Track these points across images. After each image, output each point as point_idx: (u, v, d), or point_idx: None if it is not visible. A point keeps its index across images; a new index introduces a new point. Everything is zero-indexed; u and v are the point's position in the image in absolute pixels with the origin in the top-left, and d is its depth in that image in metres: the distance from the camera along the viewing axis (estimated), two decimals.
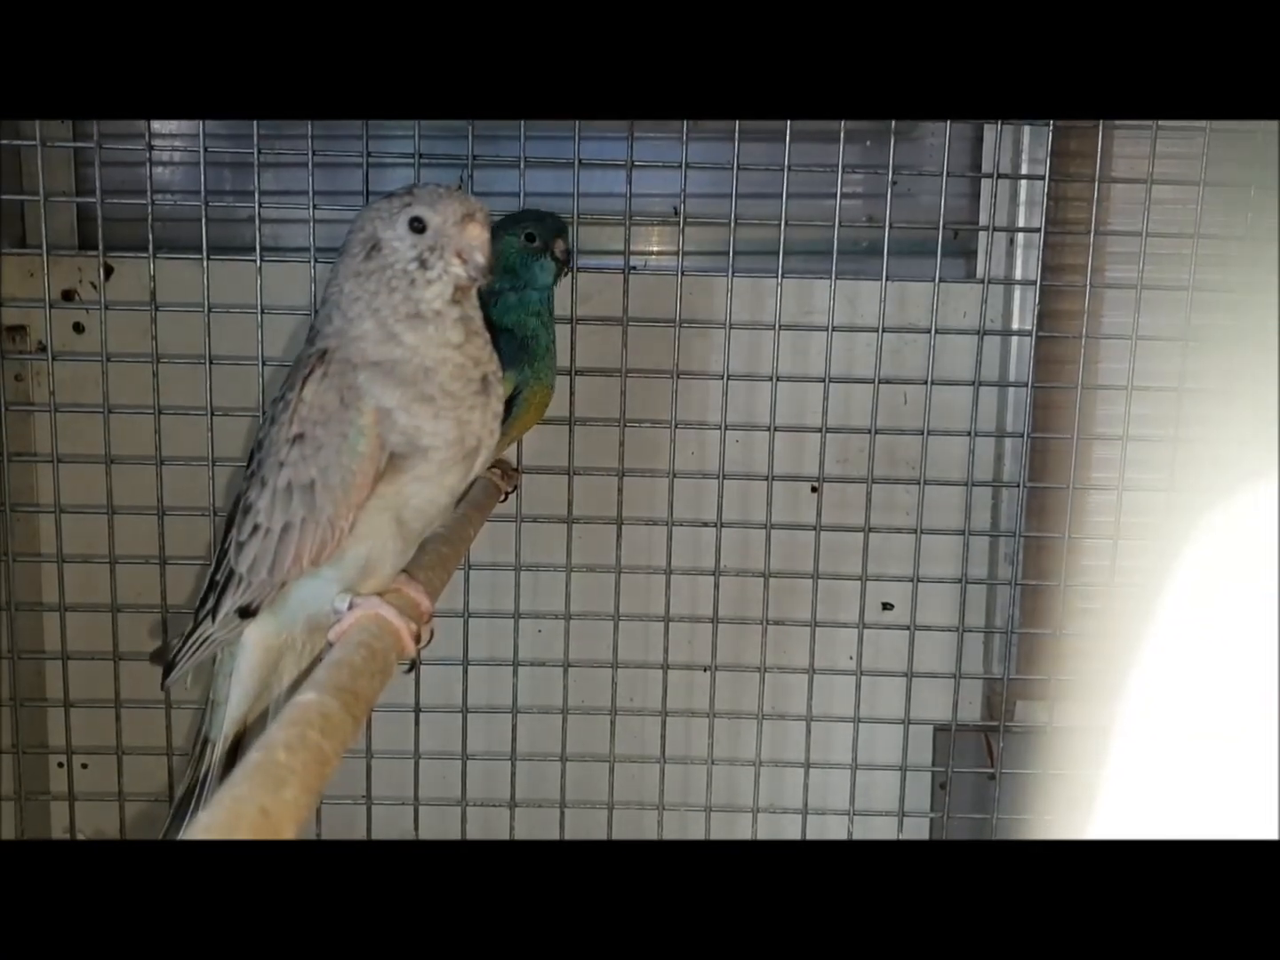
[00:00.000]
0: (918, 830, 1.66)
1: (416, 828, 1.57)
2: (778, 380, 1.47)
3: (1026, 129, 1.59)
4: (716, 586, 1.52)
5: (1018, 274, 1.63)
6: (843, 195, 1.43)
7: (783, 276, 1.44)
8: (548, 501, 1.52)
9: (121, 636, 1.50)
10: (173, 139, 1.68)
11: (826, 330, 1.46)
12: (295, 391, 0.85)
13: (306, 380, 0.84)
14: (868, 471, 1.49)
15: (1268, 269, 1.36)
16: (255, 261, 1.41)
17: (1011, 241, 1.63)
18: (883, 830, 1.61)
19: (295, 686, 0.94)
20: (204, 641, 0.93)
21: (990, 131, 1.60)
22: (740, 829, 1.59)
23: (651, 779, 1.57)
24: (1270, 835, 0.60)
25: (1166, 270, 1.43)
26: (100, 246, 1.42)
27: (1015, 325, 1.63)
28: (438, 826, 1.57)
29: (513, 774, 1.57)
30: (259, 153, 1.40)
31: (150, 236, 1.40)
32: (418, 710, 1.54)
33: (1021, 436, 1.51)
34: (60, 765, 1.57)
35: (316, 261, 1.42)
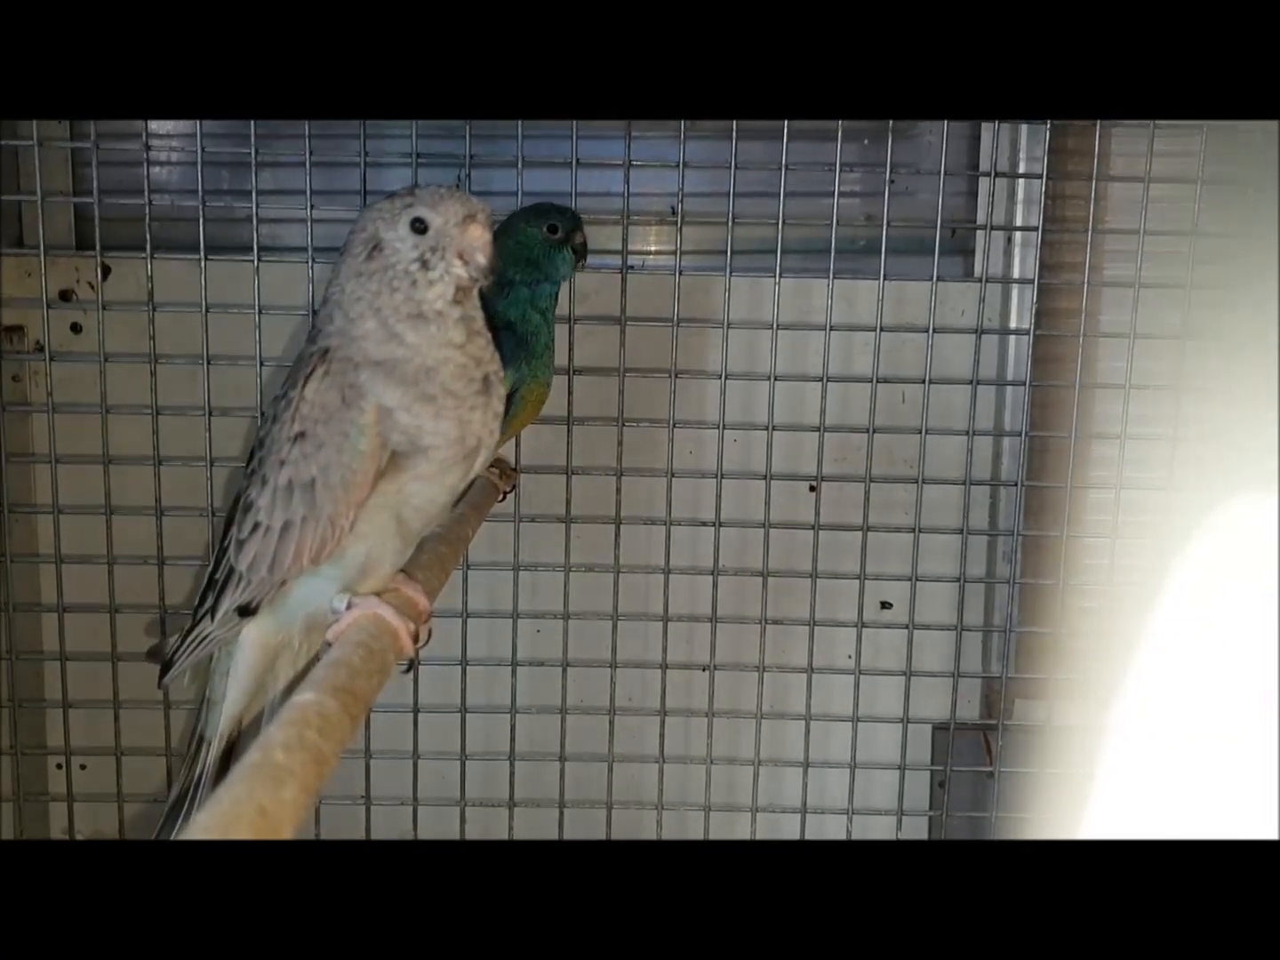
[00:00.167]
0: (917, 829, 1.66)
1: (415, 828, 1.57)
2: (776, 379, 1.47)
3: (1024, 127, 1.59)
4: (715, 586, 1.52)
5: (1015, 272, 1.62)
6: (840, 194, 1.43)
7: (780, 275, 1.44)
8: (546, 501, 1.52)
9: (120, 637, 1.50)
10: (170, 139, 1.67)
11: (824, 329, 1.46)
12: (297, 390, 0.85)
13: (308, 378, 0.84)
14: (866, 470, 1.49)
15: (1266, 267, 1.36)
16: (253, 261, 1.41)
17: (1009, 240, 1.63)
18: (881, 829, 1.61)
19: (292, 686, 0.94)
20: (202, 640, 0.93)
21: (988, 130, 1.60)
22: (739, 828, 1.59)
23: (650, 778, 1.57)
24: (1270, 835, 0.60)
25: (1164, 268, 1.43)
26: (98, 246, 1.42)
27: (1013, 324, 1.63)
28: (437, 826, 1.57)
29: (511, 774, 1.57)
30: (256, 152, 1.39)
31: (148, 236, 1.40)
32: (416, 710, 1.54)
33: (1020, 435, 1.51)
34: (59, 766, 1.57)
35: (314, 261, 1.42)
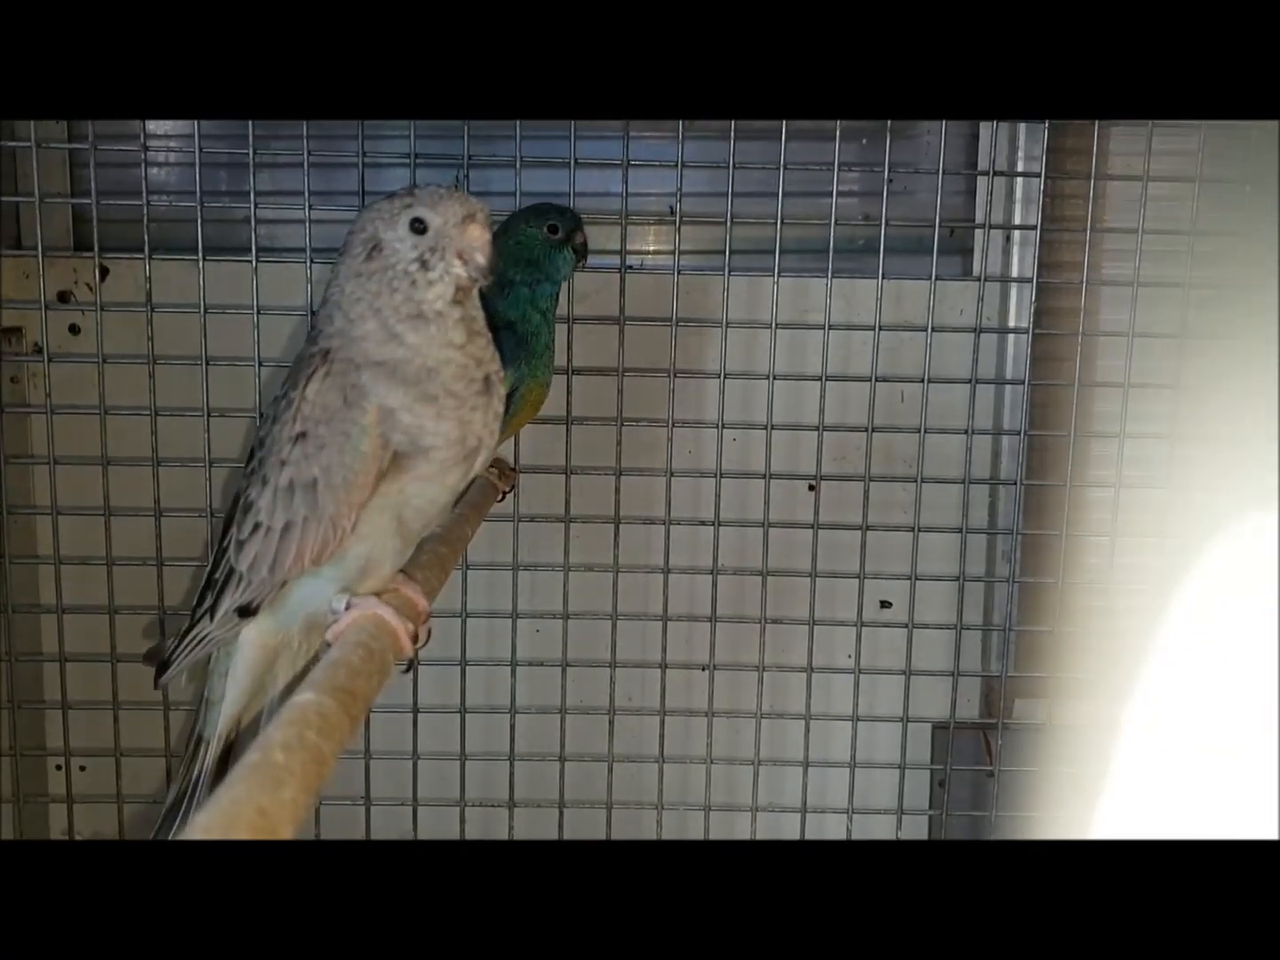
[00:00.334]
0: (916, 828, 1.66)
1: (415, 828, 1.57)
2: (774, 379, 1.47)
3: (1022, 126, 1.59)
4: (714, 585, 1.52)
5: (1014, 271, 1.62)
6: (839, 193, 1.43)
7: (779, 275, 1.44)
8: (545, 501, 1.52)
9: (119, 638, 1.49)
10: (168, 140, 1.67)
11: (823, 328, 1.46)
12: (298, 390, 0.85)
13: (310, 379, 0.84)
14: (865, 470, 1.49)
15: (1264, 265, 1.36)
16: (251, 262, 1.41)
17: (1008, 239, 1.63)
18: (881, 829, 1.61)
19: (291, 687, 0.94)
20: (201, 640, 0.93)
21: (986, 129, 1.61)
22: (739, 828, 1.59)
23: (650, 778, 1.57)
24: (1270, 835, 0.60)
25: (1163, 267, 1.43)
26: (96, 248, 1.42)
27: (1012, 323, 1.63)
28: (436, 827, 1.57)
29: (511, 774, 1.57)
30: (254, 153, 1.39)
31: (146, 237, 1.40)
32: (416, 710, 1.54)
33: (1019, 434, 1.51)
34: (58, 767, 1.57)
35: (312, 262, 1.42)
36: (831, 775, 1.58)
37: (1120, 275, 1.47)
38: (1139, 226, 1.42)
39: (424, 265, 0.84)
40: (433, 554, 0.99)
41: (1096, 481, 1.51)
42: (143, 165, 1.40)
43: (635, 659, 1.55)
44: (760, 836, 1.58)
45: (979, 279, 1.48)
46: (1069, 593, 1.51)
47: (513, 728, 1.56)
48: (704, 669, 1.55)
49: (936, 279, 1.44)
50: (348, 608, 0.85)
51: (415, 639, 0.87)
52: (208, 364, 1.42)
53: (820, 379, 1.46)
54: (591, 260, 1.31)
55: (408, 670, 1.44)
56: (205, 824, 0.53)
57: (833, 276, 1.45)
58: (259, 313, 1.42)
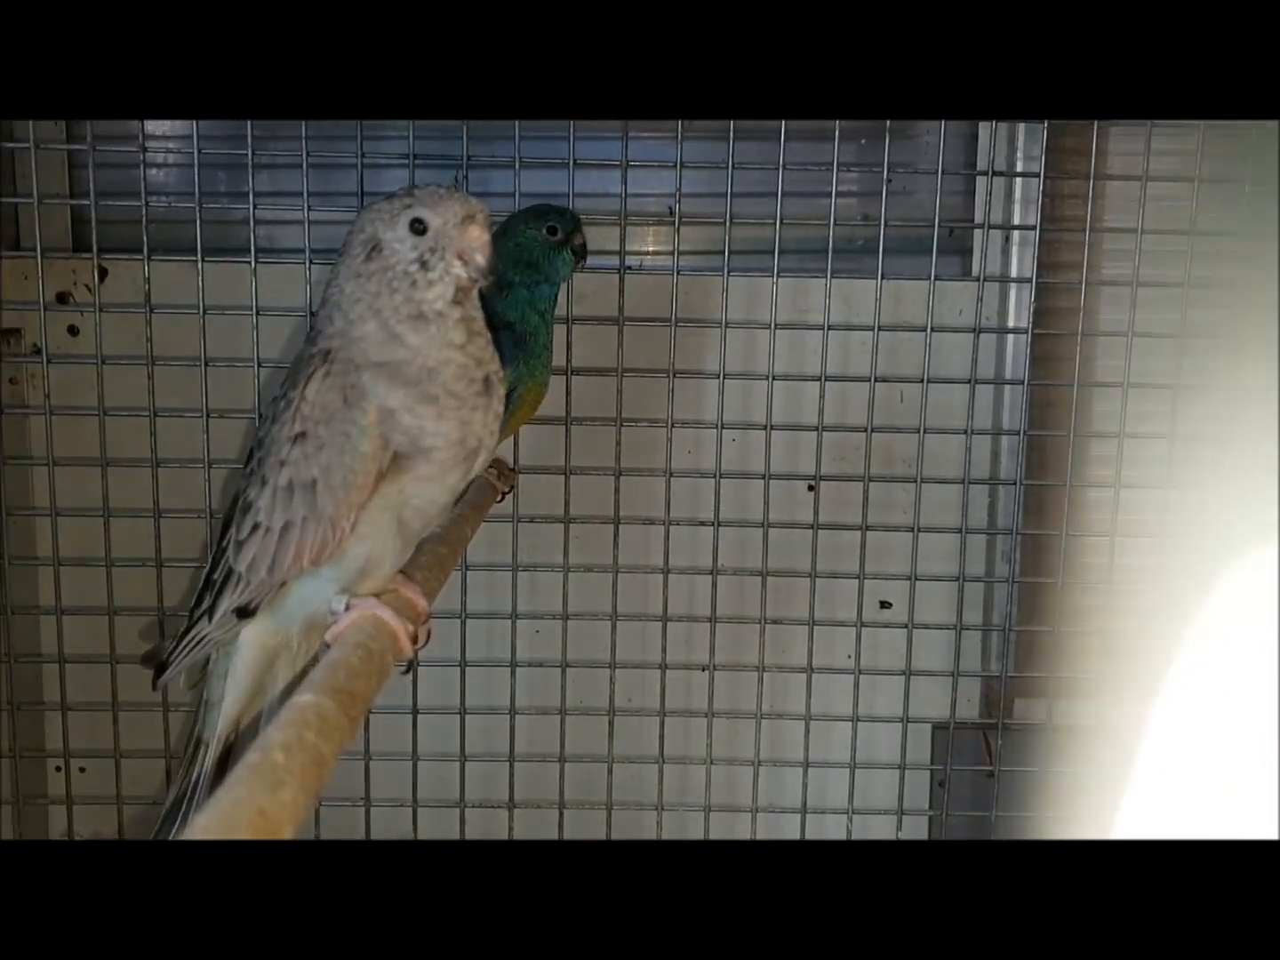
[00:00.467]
0: (917, 829, 1.66)
1: (415, 829, 1.56)
2: (774, 379, 1.47)
3: (1021, 126, 1.59)
4: (714, 586, 1.52)
5: (1013, 271, 1.63)
6: (838, 194, 1.43)
7: (778, 275, 1.44)
8: (544, 501, 1.52)
9: (118, 639, 1.49)
10: (167, 141, 1.67)
11: (822, 329, 1.46)
12: (298, 390, 0.84)
13: (309, 379, 0.84)
14: (864, 470, 1.49)
15: (1264, 265, 1.36)
16: (250, 263, 1.41)
17: (1007, 239, 1.63)
18: (882, 829, 1.61)
19: (291, 688, 0.94)
20: (199, 641, 0.92)
21: (985, 129, 1.61)
22: (739, 828, 1.59)
23: (650, 779, 1.57)
24: (1270, 835, 0.60)
25: (1162, 267, 1.43)
26: (94, 249, 1.42)
27: (1011, 323, 1.63)
28: (436, 828, 1.56)
29: (511, 775, 1.57)
30: (253, 154, 1.39)
31: (145, 238, 1.40)
32: (415, 711, 1.54)
33: (1018, 434, 1.51)
34: (58, 769, 1.57)
35: (311, 263, 1.42)
36: (831, 776, 1.58)
37: (1119, 275, 1.47)
38: (1138, 226, 1.42)
39: (424, 266, 0.84)
40: (432, 554, 0.99)
41: (1096, 481, 1.52)
42: (141, 166, 1.40)
43: (635, 660, 1.55)
44: (760, 837, 1.58)
45: (978, 279, 1.48)
46: (1069, 593, 1.51)
47: (512, 728, 1.56)
48: (704, 669, 1.55)
49: (936, 279, 1.44)
50: (347, 608, 0.85)
51: (415, 640, 0.87)
52: (207, 365, 1.42)
53: (819, 379, 1.46)
54: (591, 261, 1.31)
55: (407, 671, 1.44)
56: (205, 825, 0.53)
57: (832, 277, 1.45)
58: (258, 314, 1.42)
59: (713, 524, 1.51)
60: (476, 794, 1.57)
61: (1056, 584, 1.50)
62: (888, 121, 1.42)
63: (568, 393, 1.47)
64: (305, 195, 1.41)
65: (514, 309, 1.24)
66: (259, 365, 1.43)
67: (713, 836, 1.58)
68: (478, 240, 0.84)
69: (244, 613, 0.89)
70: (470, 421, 0.85)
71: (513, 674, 1.55)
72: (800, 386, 1.50)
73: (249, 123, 1.38)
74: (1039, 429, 1.54)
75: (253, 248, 1.41)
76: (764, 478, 1.50)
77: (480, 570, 1.54)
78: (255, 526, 0.86)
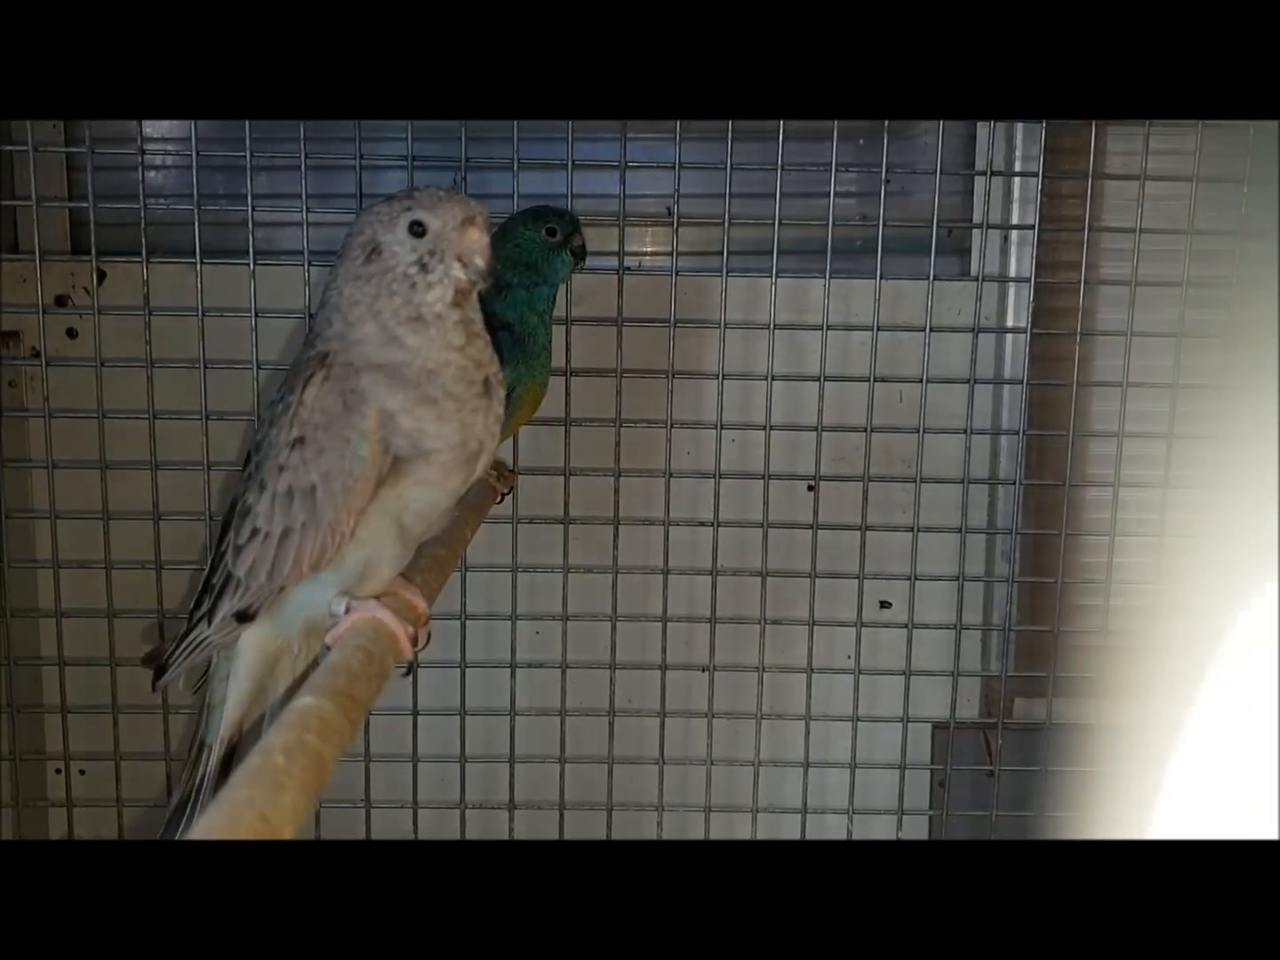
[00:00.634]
0: (917, 829, 1.66)
1: (415, 830, 1.57)
2: (773, 379, 1.47)
3: (1020, 126, 1.59)
4: (714, 586, 1.52)
5: (1012, 271, 1.63)
6: (837, 194, 1.43)
7: (777, 276, 1.44)
8: (544, 502, 1.52)
9: (118, 641, 1.49)
10: (165, 143, 1.67)
11: (821, 329, 1.46)
12: (295, 394, 0.84)
13: (307, 383, 0.84)
14: (864, 470, 1.49)
15: (1262, 264, 1.36)
16: (249, 265, 1.41)
17: (1006, 239, 1.63)
18: (882, 829, 1.61)
19: (292, 690, 0.94)
20: (198, 645, 0.92)
21: (984, 129, 1.61)
22: (740, 829, 1.59)
23: (650, 780, 1.57)
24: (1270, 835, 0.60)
25: (1161, 266, 1.43)
26: (93, 251, 1.42)
27: (1010, 322, 1.63)
28: (437, 829, 1.56)
29: (511, 776, 1.57)
30: (251, 156, 1.39)
31: (143, 241, 1.40)
32: (415, 713, 1.54)
33: (1017, 434, 1.51)
34: (58, 771, 1.57)
35: (310, 265, 1.42)
36: (832, 776, 1.58)
37: (1118, 274, 1.47)
38: (1137, 226, 1.42)
39: (423, 268, 0.84)
40: (432, 556, 0.99)
41: (1095, 481, 1.52)
42: (140, 169, 1.40)
43: (635, 660, 1.55)
44: (760, 837, 1.58)
45: (977, 279, 1.48)
46: (1068, 592, 1.51)
47: (512, 730, 1.56)
48: (704, 670, 1.55)
49: (934, 279, 1.44)
50: (347, 611, 0.85)
51: (415, 642, 0.87)
52: (206, 367, 1.42)
53: (819, 379, 1.47)
54: (589, 262, 1.31)
55: (408, 673, 1.45)
56: (207, 828, 0.53)
57: (831, 277, 1.45)
58: (257, 316, 1.42)
59: (712, 524, 1.51)
60: (477, 795, 1.57)
61: (1056, 583, 1.50)
62: (886, 122, 1.43)
63: (567, 394, 1.47)
64: (304, 197, 1.41)
65: (513, 310, 1.24)
66: (258, 367, 1.43)
67: (713, 837, 1.58)
68: (477, 243, 0.84)
69: (244, 617, 0.89)
70: (471, 424, 0.85)
71: (513, 675, 1.55)
72: (799, 387, 1.50)
73: (247, 125, 1.38)
74: (1038, 428, 1.54)
75: (251, 250, 1.41)
76: (764, 478, 1.50)
77: (480, 571, 1.54)
78: (254, 532, 0.86)
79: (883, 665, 1.56)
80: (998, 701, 1.59)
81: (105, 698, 1.50)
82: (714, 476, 1.50)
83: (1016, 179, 1.61)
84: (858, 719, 1.55)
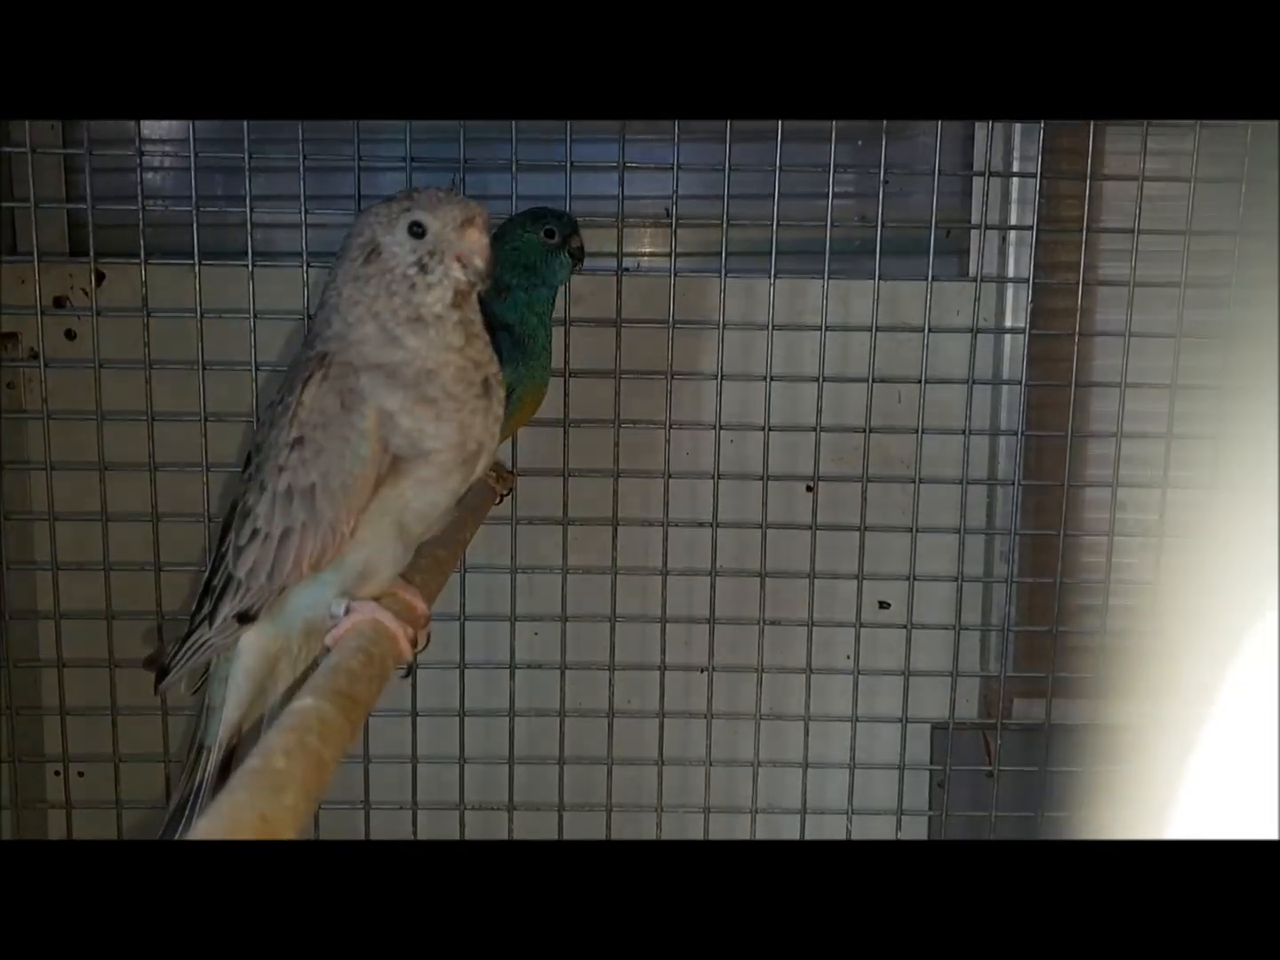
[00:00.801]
0: (916, 829, 1.66)
1: (415, 831, 1.56)
2: (772, 380, 1.47)
3: (1018, 127, 1.59)
4: (713, 587, 1.52)
5: (1010, 272, 1.63)
6: (835, 195, 1.43)
7: (775, 276, 1.44)
8: (543, 503, 1.52)
9: (117, 643, 1.49)
10: (163, 145, 1.67)
11: (820, 330, 1.46)
12: (295, 395, 0.84)
13: (307, 383, 0.84)
14: (863, 470, 1.50)
15: (1261, 264, 1.36)
16: (247, 266, 1.41)
17: (1004, 239, 1.63)
18: (881, 829, 1.61)
19: (291, 692, 0.93)
20: (200, 646, 0.92)
21: (982, 130, 1.61)
22: (739, 829, 1.59)
23: (650, 780, 1.57)
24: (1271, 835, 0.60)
25: (1159, 266, 1.43)
26: (91, 253, 1.42)
27: (1009, 323, 1.63)
28: (436, 830, 1.56)
29: (510, 777, 1.57)
30: (250, 157, 1.39)
31: (141, 242, 1.40)
32: (415, 714, 1.54)
33: (1016, 434, 1.51)
34: (57, 773, 1.57)
35: (309, 266, 1.42)
36: (831, 776, 1.58)
37: (1116, 275, 1.47)
38: (1135, 226, 1.42)
39: (422, 269, 0.84)
40: (431, 557, 0.99)
41: (1094, 481, 1.52)
42: (138, 170, 1.40)
43: (634, 661, 1.55)
44: (760, 837, 1.58)
45: (975, 279, 1.48)
46: (1067, 592, 1.51)
47: (512, 730, 1.56)
48: (703, 671, 1.55)
49: (933, 280, 1.45)
50: (347, 612, 0.85)
51: (414, 643, 0.87)
52: (204, 368, 1.42)
53: (817, 380, 1.47)
54: (588, 263, 1.32)
55: (407, 674, 1.44)
56: (207, 829, 0.53)
57: (829, 278, 1.45)
58: (255, 317, 1.42)
59: (711, 525, 1.51)
60: (476, 796, 1.57)
61: (1055, 584, 1.50)
62: (884, 122, 1.43)
63: (565, 395, 1.47)
64: (302, 198, 1.41)
65: (512, 311, 1.24)
66: (256, 368, 1.43)
67: (712, 837, 1.58)
68: (476, 243, 0.84)
69: (244, 618, 0.89)
70: (470, 424, 0.85)
71: (512, 676, 1.55)
72: (798, 387, 1.51)
73: (245, 126, 1.38)
74: (1037, 429, 1.54)
75: (250, 251, 1.41)
76: (762, 479, 1.50)
77: (479, 572, 1.54)
78: (254, 533, 0.86)
79: (882, 666, 1.56)
80: (997, 702, 1.59)
81: (104, 699, 1.50)
82: (713, 477, 1.50)
83: (1015, 179, 1.61)
84: (857, 719, 1.55)
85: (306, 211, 1.41)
